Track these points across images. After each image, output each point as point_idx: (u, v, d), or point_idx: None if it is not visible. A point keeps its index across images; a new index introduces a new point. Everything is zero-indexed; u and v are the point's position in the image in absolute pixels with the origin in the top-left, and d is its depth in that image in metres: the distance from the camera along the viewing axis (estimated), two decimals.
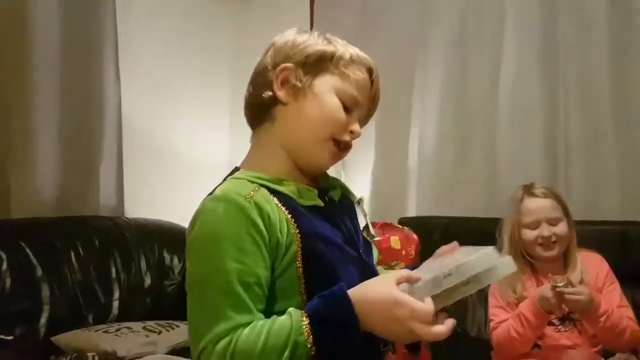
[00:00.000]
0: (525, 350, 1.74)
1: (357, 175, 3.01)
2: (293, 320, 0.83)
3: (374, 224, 2.35)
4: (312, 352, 0.82)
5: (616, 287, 1.78)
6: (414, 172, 2.83)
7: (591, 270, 1.78)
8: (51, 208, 2.23)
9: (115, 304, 2.16)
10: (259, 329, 0.83)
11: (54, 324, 1.96)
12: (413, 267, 0.97)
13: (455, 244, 0.95)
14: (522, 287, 1.79)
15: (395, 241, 2.11)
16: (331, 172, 3.20)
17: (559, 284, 1.63)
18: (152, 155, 2.64)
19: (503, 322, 1.77)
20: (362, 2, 2.96)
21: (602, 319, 1.66)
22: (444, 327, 0.83)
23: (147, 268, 2.30)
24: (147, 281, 2.29)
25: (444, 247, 0.97)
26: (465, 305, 2.40)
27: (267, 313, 0.88)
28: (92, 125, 2.39)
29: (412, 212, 2.80)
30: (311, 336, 0.82)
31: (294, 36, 1.01)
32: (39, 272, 1.99)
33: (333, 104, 0.97)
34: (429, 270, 0.88)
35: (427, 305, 0.82)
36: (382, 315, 0.83)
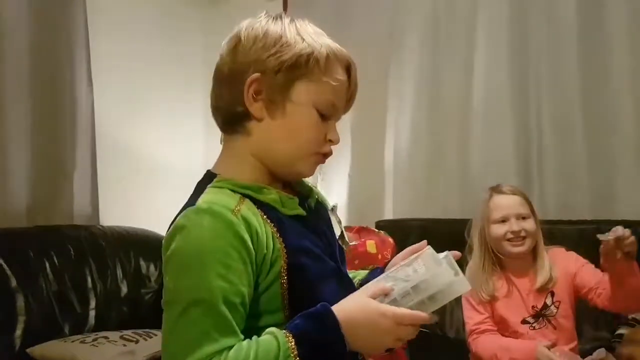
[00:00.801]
0: None
1: (334, 180, 3.02)
2: (279, 342, 0.80)
3: (350, 229, 2.38)
4: None
5: (590, 265, 1.78)
6: (389, 176, 2.85)
7: (559, 264, 1.80)
8: (24, 218, 2.20)
9: (92, 313, 2.13)
10: (245, 351, 0.80)
11: (29, 335, 1.92)
12: (381, 270, 0.98)
13: (424, 242, 0.94)
14: (493, 287, 1.80)
15: (371, 245, 2.12)
16: (308, 178, 3.19)
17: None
18: (126, 162, 2.62)
19: (480, 325, 1.77)
20: (335, 8, 2.97)
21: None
22: (423, 313, 0.84)
23: (123, 276, 2.27)
24: (124, 290, 2.27)
25: (414, 246, 0.96)
26: (444, 306, 2.41)
27: (249, 329, 0.84)
28: (64, 132, 2.36)
29: (388, 215, 2.81)
30: (297, 358, 0.79)
31: (262, 30, 0.91)
32: (13, 282, 1.95)
33: (311, 119, 0.92)
34: (394, 278, 0.88)
35: (409, 312, 0.84)
36: (368, 330, 0.83)
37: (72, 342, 1.92)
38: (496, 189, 1.88)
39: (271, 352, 0.79)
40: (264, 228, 0.87)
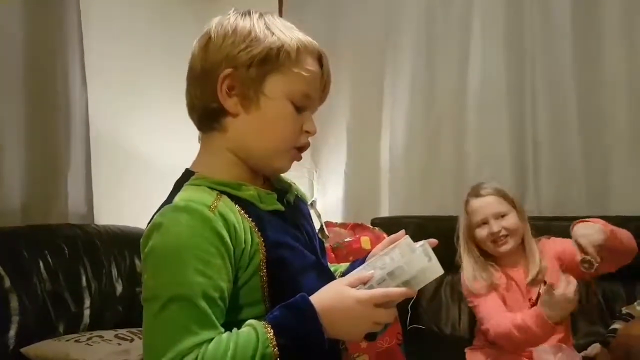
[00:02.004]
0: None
1: (330, 177, 3.02)
2: (258, 333, 0.82)
3: (345, 225, 2.38)
4: None
5: (564, 240, 1.78)
6: (385, 173, 2.85)
7: (547, 253, 1.82)
8: (18, 217, 2.18)
9: (87, 312, 2.12)
10: (224, 344, 0.81)
11: (23, 335, 1.91)
12: (362, 261, 0.99)
13: (402, 232, 0.95)
14: (491, 275, 1.82)
15: (365, 241, 2.12)
16: (304, 175, 3.19)
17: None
18: (121, 161, 2.60)
19: (499, 320, 1.75)
20: (330, 7, 2.97)
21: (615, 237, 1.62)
22: (396, 289, 0.85)
23: (118, 275, 2.26)
24: (119, 289, 2.25)
25: (393, 236, 0.97)
26: (439, 303, 2.43)
27: (230, 323, 0.85)
28: (58, 131, 2.34)
29: (384, 213, 2.82)
30: (277, 348, 0.81)
31: (232, 27, 0.92)
32: (7, 282, 1.94)
33: (286, 111, 0.92)
34: (372, 267, 0.90)
35: (383, 289, 0.85)
36: (346, 317, 0.85)
37: (67, 341, 1.91)
38: (473, 191, 1.92)
39: (250, 343, 0.81)
40: (242, 223, 0.88)
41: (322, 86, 0.98)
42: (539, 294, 1.76)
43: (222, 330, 0.84)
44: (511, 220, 1.82)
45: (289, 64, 0.91)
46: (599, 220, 1.61)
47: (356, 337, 0.90)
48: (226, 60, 0.91)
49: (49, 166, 2.32)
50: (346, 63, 2.85)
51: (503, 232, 1.81)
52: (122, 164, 2.61)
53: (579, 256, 1.57)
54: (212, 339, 0.81)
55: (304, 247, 0.96)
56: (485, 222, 1.83)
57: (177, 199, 0.88)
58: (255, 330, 0.82)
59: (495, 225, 1.81)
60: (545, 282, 1.75)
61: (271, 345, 0.81)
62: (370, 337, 1.01)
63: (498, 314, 1.76)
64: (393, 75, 2.83)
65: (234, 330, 0.84)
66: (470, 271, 1.83)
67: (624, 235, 1.63)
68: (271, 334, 0.81)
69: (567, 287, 1.58)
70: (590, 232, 1.56)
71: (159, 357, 0.80)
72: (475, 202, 1.87)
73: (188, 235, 0.83)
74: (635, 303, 1.93)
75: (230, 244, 0.85)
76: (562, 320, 1.67)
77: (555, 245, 1.84)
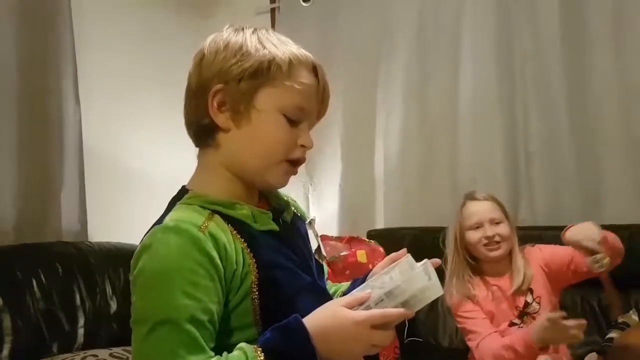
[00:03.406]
0: None
1: (325, 190, 3.02)
2: (248, 357, 0.79)
3: (341, 239, 2.37)
4: None
5: (552, 246, 1.81)
6: (380, 186, 2.85)
7: (532, 261, 1.82)
8: (10, 235, 2.17)
9: (81, 331, 2.10)
10: None
11: (17, 355, 1.89)
12: (363, 279, 0.97)
13: (403, 251, 0.94)
14: (471, 289, 1.82)
15: (361, 255, 2.12)
16: (299, 188, 3.19)
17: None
18: (115, 178, 2.60)
19: (482, 336, 1.75)
20: (323, 20, 2.99)
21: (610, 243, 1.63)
22: (394, 310, 0.82)
23: (112, 293, 2.24)
24: (113, 306, 2.23)
25: (393, 254, 0.95)
26: (437, 315, 2.42)
27: (221, 346, 0.83)
28: (51, 148, 2.33)
29: (380, 225, 2.82)
30: None
31: (224, 42, 0.91)
32: (0, 301, 1.92)
33: (278, 125, 0.90)
34: (371, 287, 0.87)
35: (381, 310, 0.82)
36: (341, 339, 0.82)
37: None
38: (469, 196, 1.91)
39: None
40: (233, 244, 0.86)
41: (319, 98, 0.95)
42: (525, 303, 1.77)
43: (212, 354, 0.81)
44: (504, 228, 1.83)
45: (280, 77, 0.90)
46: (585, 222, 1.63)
47: (352, 359, 0.87)
48: (218, 75, 0.90)
49: (42, 184, 2.31)
50: (339, 75, 2.86)
51: (497, 238, 1.81)
52: (115, 180, 2.60)
53: (586, 259, 1.57)
54: None
55: (299, 268, 0.93)
56: (479, 226, 1.83)
57: (168, 219, 0.87)
58: (245, 354, 0.80)
59: (490, 230, 1.81)
60: (531, 290, 1.75)
61: None
62: (373, 359, 1.00)
63: (487, 335, 1.74)
64: (386, 87, 2.85)
65: (224, 354, 0.82)
66: (447, 282, 1.83)
67: (611, 234, 1.65)
68: (261, 357, 0.79)
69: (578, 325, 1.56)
70: (586, 231, 1.57)
71: None
72: (472, 205, 1.87)
73: (176, 257, 0.81)
74: (631, 312, 1.93)
75: (220, 265, 0.83)
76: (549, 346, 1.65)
77: (542, 253, 1.84)
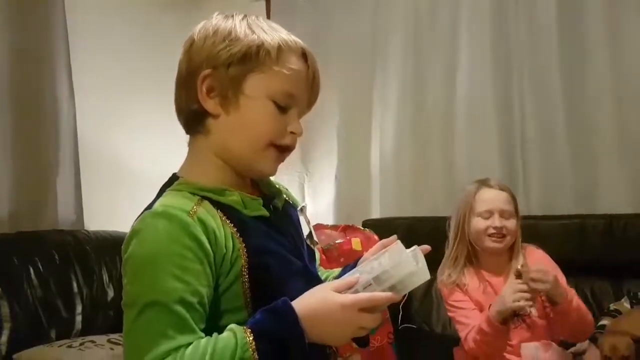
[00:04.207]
0: (500, 353, 1.72)
1: (321, 182, 3.03)
2: (237, 337, 0.80)
3: (336, 227, 2.39)
4: None
5: (562, 275, 1.77)
6: (375, 177, 2.86)
7: (533, 264, 1.77)
8: (6, 224, 2.18)
9: (78, 318, 2.12)
10: (202, 348, 0.80)
11: (15, 342, 1.91)
12: (354, 264, 0.99)
13: (394, 237, 0.95)
14: (463, 277, 1.81)
15: (356, 243, 2.13)
16: (295, 179, 3.20)
17: (521, 268, 1.65)
18: (110, 166, 2.60)
19: (470, 328, 1.74)
20: (318, 12, 2.98)
21: (574, 304, 1.65)
22: (381, 293, 0.84)
23: (109, 280, 2.26)
24: (110, 294, 2.25)
25: (384, 240, 0.97)
26: (431, 302, 2.44)
27: (212, 328, 0.84)
28: (46, 137, 2.34)
29: (375, 215, 2.83)
30: (256, 352, 0.79)
31: (213, 28, 0.91)
32: None
33: (266, 111, 0.90)
34: (361, 272, 0.89)
35: (368, 294, 0.84)
36: (330, 322, 0.83)
37: (59, 347, 1.91)
38: (485, 182, 1.87)
39: (229, 347, 0.80)
40: (222, 229, 0.86)
41: (309, 85, 0.95)
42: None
43: (202, 335, 0.83)
44: (513, 223, 1.80)
45: (269, 62, 0.89)
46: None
47: (340, 341, 0.89)
48: (207, 60, 0.90)
49: (38, 173, 2.32)
50: (335, 67, 2.86)
51: (504, 230, 1.78)
52: (111, 169, 2.61)
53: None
54: (190, 344, 0.80)
55: (289, 253, 0.94)
56: (489, 215, 1.79)
57: (157, 204, 0.87)
58: (234, 335, 0.81)
59: (499, 221, 1.77)
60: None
61: (250, 349, 0.79)
62: (362, 343, 1.01)
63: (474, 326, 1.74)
64: (382, 78, 2.85)
65: (214, 334, 0.83)
66: (447, 268, 1.83)
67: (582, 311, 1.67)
68: (251, 338, 0.80)
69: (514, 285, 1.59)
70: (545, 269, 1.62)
71: None
72: (487, 192, 1.82)
73: (165, 242, 0.82)
74: (623, 299, 1.94)
75: (209, 249, 0.84)
76: (507, 321, 1.64)
77: (544, 260, 1.81)
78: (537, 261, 1.79)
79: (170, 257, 0.82)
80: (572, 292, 1.70)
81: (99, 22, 2.63)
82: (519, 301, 1.58)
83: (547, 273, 1.61)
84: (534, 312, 1.75)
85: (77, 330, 2.10)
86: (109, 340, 1.95)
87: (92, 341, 1.94)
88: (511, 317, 1.67)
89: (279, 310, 0.83)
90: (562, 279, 1.74)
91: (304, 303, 0.84)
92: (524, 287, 1.58)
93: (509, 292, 1.61)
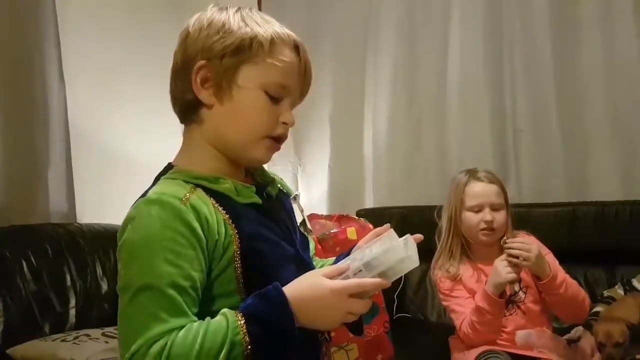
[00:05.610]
0: (496, 336, 1.74)
1: (314, 171, 3.03)
2: (229, 321, 0.82)
3: (330, 217, 2.39)
4: (248, 352, 0.81)
5: (552, 256, 1.79)
6: (369, 165, 2.87)
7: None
8: None
9: (72, 312, 2.11)
10: (194, 331, 0.82)
11: (9, 336, 1.90)
12: (348, 253, 1.00)
13: (387, 225, 0.97)
14: (457, 268, 1.82)
15: (352, 232, 2.13)
16: (288, 169, 3.19)
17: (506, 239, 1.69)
18: (102, 159, 2.58)
19: (465, 316, 1.76)
20: (310, 1, 2.97)
21: (562, 288, 1.67)
22: (370, 279, 0.86)
23: (103, 273, 2.25)
24: (104, 287, 2.25)
25: (377, 229, 0.99)
26: (425, 292, 2.46)
27: (205, 313, 0.86)
28: (37, 130, 2.31)
29: (369, 204, 2.83)
30: (247, 335, 0.81)
31: (208, 20, 0.94)
32: None
33: (259, 102, 0.93)
34: (353, 259, 0.91)
35: (357, 279, 0.86)
36: (319, 307, 0.86)
37: (53, 341, 1.90)
38: (474, 175, 1.86)
39: (220, 330, 0.82)
40: (215, 215, 0.89)
41: (301, 76, 0.97)
42: (512, 290, 1.74)
43: (195, 318, 0.85)
44: (503, 216, 1.81)
45: (262, 54, 0.92)
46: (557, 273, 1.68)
47: (330, 326, 0.91)
48: (201, 52, 0.92)
49: (29, 165, 2.30)
50: (327, 56, 2.85)
51: (494, 224, 1.78)
52: (103, 161, 2.59)
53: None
54: (182, 327, 0.82)
55: (282, 240, 0.96)
56: (479, 209, 1.80)
57: (151, 192, 0.90)
58: (226, 318, 0.83)
59: (489, 215, 1.78)
60: (520, 279, 1.72)
61: (241, 332, 0.81)
62: (357, 331, 1.04)
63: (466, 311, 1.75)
64: (374, 67, 2.84)
65: (207, 318, 0.85)
66: (441, 259, 1.84)
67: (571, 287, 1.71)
68: (242, 321, 0.82)
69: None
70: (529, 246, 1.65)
71: (130, 345, 0.81)
72: (477, 186, 1.82)
73: (158, 227, 0.85)
74: (617, 286, 1.96)
75: (202, 235, 0.86)
76: (503, 292, 1.67)
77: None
78: None
79: (163, 242, 0.84)
80: (562, 272, 1.72)
81: (90, 9, 2.59)
82: (512, 273, 1.63)
83: (530, 247, 1.65)
84: (522, 295, 1.77)
85: (71, 324, 2.09)
86: (103, 334, 1.95)
87: (87, 335, 1.93)
88: (506, 295, 1.70)
89: (269, 294, 0.86)
90: (555, 261, 1.77)
91: (295, 288, 0.87)
92: (514, 259, 1.64)
93: (502, 265, 1.64)
